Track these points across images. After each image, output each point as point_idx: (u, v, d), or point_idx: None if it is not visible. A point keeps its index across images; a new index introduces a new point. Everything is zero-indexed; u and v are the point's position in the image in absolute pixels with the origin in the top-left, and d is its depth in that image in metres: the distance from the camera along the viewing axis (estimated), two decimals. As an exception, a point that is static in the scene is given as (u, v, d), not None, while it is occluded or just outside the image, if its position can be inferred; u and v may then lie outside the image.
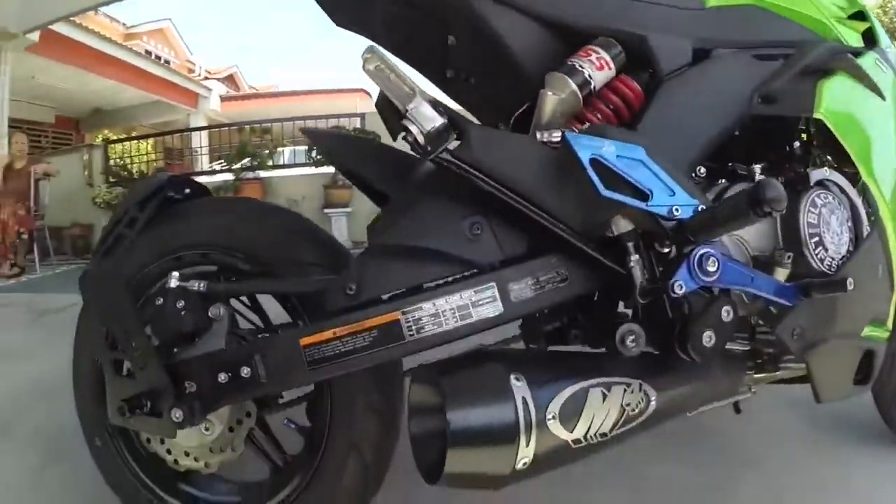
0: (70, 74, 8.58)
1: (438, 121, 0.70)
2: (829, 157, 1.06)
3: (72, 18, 7.55)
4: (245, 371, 0.77)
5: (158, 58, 12.49)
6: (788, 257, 0.87)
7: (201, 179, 6.52)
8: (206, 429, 0.89)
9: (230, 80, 16.79)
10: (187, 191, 1.03)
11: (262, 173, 6.38)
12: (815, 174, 0.95)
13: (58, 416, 1.67)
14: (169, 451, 0.93)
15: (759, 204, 0.65)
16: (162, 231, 0.96)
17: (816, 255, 0.89)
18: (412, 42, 1.06)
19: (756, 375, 0.97)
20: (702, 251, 0.73)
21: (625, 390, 0.76)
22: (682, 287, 0.72)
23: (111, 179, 6.59)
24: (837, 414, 1.44)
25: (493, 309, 0.75)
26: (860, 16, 1.13)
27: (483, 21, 0.86)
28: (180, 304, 0.84)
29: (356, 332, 0.73)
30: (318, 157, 5.87)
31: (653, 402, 0.78)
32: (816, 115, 0.91)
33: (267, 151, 6.44)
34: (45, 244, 5.43)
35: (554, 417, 0.71)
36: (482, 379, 0.71)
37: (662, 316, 0.77)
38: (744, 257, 0.89)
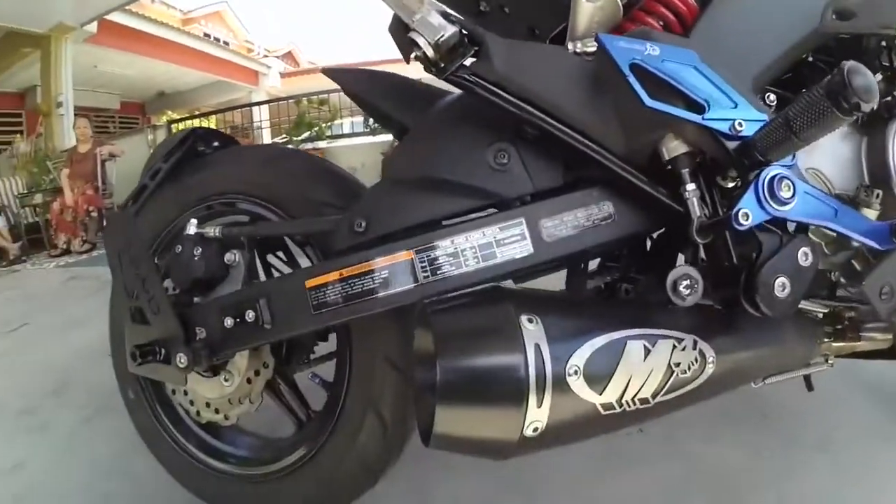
0: (131, 61, 9.09)
1: (449, 30, 0.61)
2: None
3: (128, 7, 7.98)
4: (250, 315, 0.74)
5: (217, 39, 12.95)
6: (877, 196, 0.74)
7: None
8: (226, 380, 0.88)
9: (289, 56, 17.29)
10: (215, 143, 1.03)
11: (322, 144, 6.50)
12: None
13: (109, 375, 1.82)
14: (192, 403, 0.94)
15: (844, 94, 0.51)
16: (190, 182, 0.98)
17: None
18: None
19: (835, 344, 0.82)
20: (774, 171, 0.60)
21: (674, 347, 0.63)
22: (748, 217, 0.60)
23: (176, 157, 6.92)
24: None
25: (522, 249, 0.67)
26: None
27: None
28: (197, 250, 0.84)
29: (364, 273, 0.67)
30: (376, 125, 5.98)
31: (710, 365, 0.65)
32: None
33: (325, 123, 6.56)
34: (113, 220, 5.80)
35: (577, 373, 0.58)
36: (485, 318, 0.60)
37: (726, 260, 0.65)
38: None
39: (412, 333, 0.80)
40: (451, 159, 0.71)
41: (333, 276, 0.68)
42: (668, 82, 0.61)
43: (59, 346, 2.32)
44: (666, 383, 0.62)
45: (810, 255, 0.63)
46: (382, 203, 0.71)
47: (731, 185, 0.66)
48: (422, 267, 0.66)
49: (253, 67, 12.57)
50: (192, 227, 0.85)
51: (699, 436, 1.15)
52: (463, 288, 0.67)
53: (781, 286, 0.61)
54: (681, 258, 0.78)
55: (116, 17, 7.91)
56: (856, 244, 0.70)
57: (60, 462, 1.37)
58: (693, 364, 0.64)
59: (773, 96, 0.79)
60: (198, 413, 0.94)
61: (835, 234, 0.69)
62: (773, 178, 0.60)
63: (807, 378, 0.96)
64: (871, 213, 0.73)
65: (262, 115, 8.29)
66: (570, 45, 0.71)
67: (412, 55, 0.66)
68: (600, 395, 0.59)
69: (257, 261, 0.94)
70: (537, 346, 0.57)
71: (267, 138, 8.12)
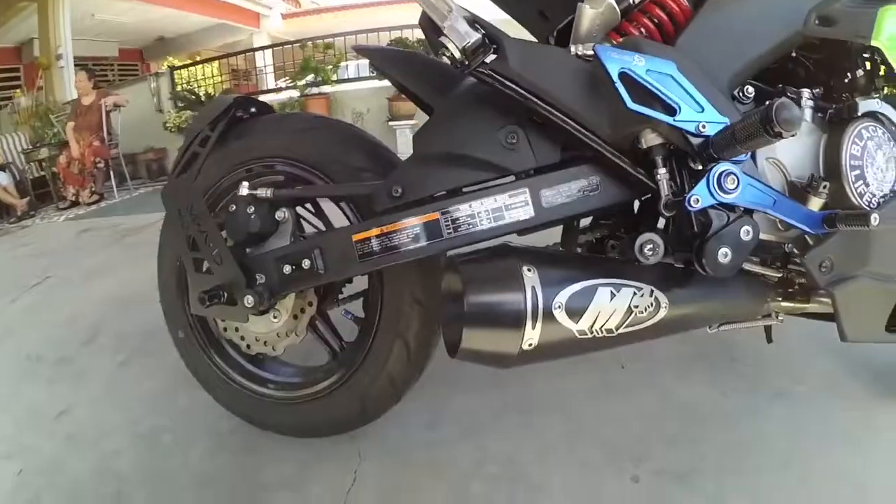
0: (128, 7, 8.98)
1: (474, 36, 0.78)
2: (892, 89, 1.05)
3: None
4: (306, 263, 0.94)
5: (215, -21, 12.67)
6: (825, 187, 0.90)
7: (268, 98, 6.75)
8: (274, 317, 1.08)
9: (290, -5, 16.86)
10: (253, 109, 1.18)
11: (327, 88, 6.50)
12: (865, 104, 0.96)
13: (138, 321, 2.03)
14: (242, 338, 1.14)
15: (771, 124, 0.70)
16: (232, 147, 1.13)
17: (856, 188, 0.92)
18: None
19: (784, 303, 1.02)
20: (722, 168, 0.79)
21: (634, 293, 0.85)
22: (698, 201, 0.79)
23: (179, 104, 6.94)
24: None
25: (525, 213, 0.87)
26: None
27: None
28: (250, 209, 1.02)
29: (400, 230, 0.87)
30: None
31: (663, 309, 0.87)
32: (874, 43, 0.92)
33: (330, 66, 6.57)
34: (120, 170, 5.90)
35: (560, 307, 0.81)
36: (497, 268, 0.83)
37: (685, 230, 0.85)
38: (780, 181, 0.93)
39: (433, 277, 1.00)
40: (470, 138, 0.89)
41: (375, 231, 0.88)
42: (649, 89, 0.79)
43: (83, 297, 2.46)
44: (626, 319, 0.85)
45: (751, 232, 0.83)
46: (414, 174, 0.90)
47: (699, 167, 0.84)
48: (446, 225, 0.86)
49: (254, 9, 12.32)
50: (244, 189, 1.01)
51: (674, 373, 1.38)
52: (478, 242, 0.88)
53: (724, 254, 0.82)
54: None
55: (109, -37, 7.84)
56: None
57: (103, 404, 1.50)
58: (649, 307, 0.86)
59: (751, 89, 0.96)
60: (248, 347, 1.13)
61: None
62: (721, 172, 0.79)
63: (767, 330, 1.14)
64: (818, 201, 0.90)
65: (265, 60, 8.26)
66: (572, 48, 0.87)
67: (440, 53, 0.82)
68: (577, 324, 0.83)
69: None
70: (533, 288, 0.80)
71: (271, 82, 8.13)
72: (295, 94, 6.44)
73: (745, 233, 0.83)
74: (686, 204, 0.79)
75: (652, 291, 0.86)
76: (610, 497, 1.02)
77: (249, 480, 1.14)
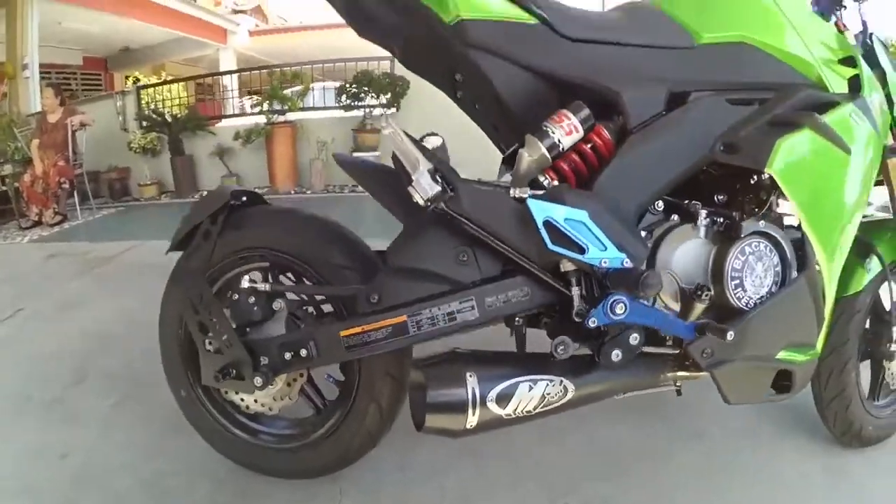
0: (96, 17, 9.01)
1: (434, 189, 1.04)
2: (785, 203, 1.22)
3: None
4: (304, 352, 1.21)
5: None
6: (706, 294, 1.13)
7: (235, 122, 7.05)
8: (272, 384, 1.32)
9: (258, 11, 17.01)
10: (244, 198, 1.39)
11: (293, 116, 6.75)
12: (749, 226, 1.16)
13: (122, 360, 2.18)
14: (242, 399, 1.40)
15: (638, 286, 1.02)
16: (229, 236, 1.34)
17: (735, 294, 1.16)
18: (427, 68, 1.38)
19: (680, 373, 1.28)
20: (614, 297, 1.07)
21: (547, 384, 1.13)
22: (595, 322, 1.07)
23: (144, 124, 7.06)
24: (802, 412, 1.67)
25: (472, 315, 1.14)
26: (850, 61, 1.28)
27: (481, 71, 1.14)
28: (251, 299, 1.28)
29: (377, 328, 1.15)
30: (348, 101, 6.35)
31: (570, 393, 1.15)
32: (768, 171, 1.09)
33: (297, 90, 6.79)
34: (83, 189, 5.95)
35: (492, 400, 1.09)
36: (449, 373, 1.11)
37: (591, 335, 1.13)
38: (673, 289, 1.19)
39: (401, 355, 1.28)
40: (430, 255, 1.16)
41: (358, 329, 1.15)
42: (565, 234, 1.06)
43: (60, 332, 2.50)
44: (540, 403, 1.14)
45: (639, 338, 1.13)
46: (388, 284, 1.16)
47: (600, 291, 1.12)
48: (412, 326, 1.14)
49: (220, 24, 12.43)
50: (245, 282, 1.26)
51: (603, 419, 1.68)
52: (437, 338, 1.15)
53: (616, 355, 1.12)
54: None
55: (81, -27, 7.89)
56: None
57: (102, 448, 1.62)
58: (559, 393, 1.15)
59: (661, 203, 1.20)
60: (247, 407, 1.39)
61: None
62: (613, 300, 1.07)
63: (677, 388, 1.36)
64: (700, 306, 1.13)
65: (232, 83, 8.48)
66: (512, 191, 1.12)
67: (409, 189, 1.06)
68: (503, 409, 1.11)
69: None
70: (473, 388, 1.09)
71: (237, 106, 8.32)
72: (262, 119, 6.63)
73: (634, 339, 1.13)
74: (586, 322, 1.08)
75: (561, 381, 1.14)
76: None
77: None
